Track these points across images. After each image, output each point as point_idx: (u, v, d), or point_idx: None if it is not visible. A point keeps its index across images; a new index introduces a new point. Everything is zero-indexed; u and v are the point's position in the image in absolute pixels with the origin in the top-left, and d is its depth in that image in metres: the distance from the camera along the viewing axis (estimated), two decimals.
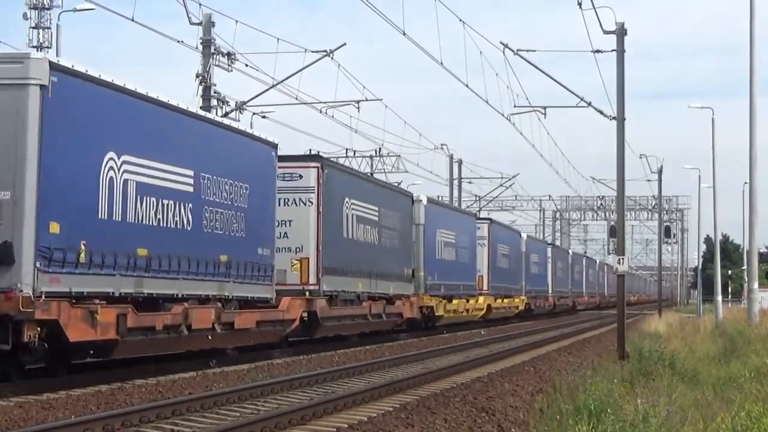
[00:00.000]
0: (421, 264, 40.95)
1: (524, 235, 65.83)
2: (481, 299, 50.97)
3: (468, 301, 48.57)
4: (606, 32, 29.11)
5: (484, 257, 52.60)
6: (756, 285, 38.63)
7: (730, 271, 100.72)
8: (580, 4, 28.22)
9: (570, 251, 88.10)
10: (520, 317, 62.25)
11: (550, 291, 72.57)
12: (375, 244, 34.81)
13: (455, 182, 67.45)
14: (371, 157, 55.60)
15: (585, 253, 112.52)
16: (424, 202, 41.70)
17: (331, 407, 16.24)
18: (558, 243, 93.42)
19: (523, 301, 61.98)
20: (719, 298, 58.57)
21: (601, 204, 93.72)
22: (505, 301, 57.04)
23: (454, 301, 45.73)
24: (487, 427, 15.23)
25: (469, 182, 75.74)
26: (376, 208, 35.01)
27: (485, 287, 52.36)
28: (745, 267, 63.80)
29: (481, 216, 60.58)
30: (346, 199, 32.07)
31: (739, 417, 13.58)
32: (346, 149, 53.66)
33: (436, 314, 42.71)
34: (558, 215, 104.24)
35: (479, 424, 15.31)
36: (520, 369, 24.69)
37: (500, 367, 25.49)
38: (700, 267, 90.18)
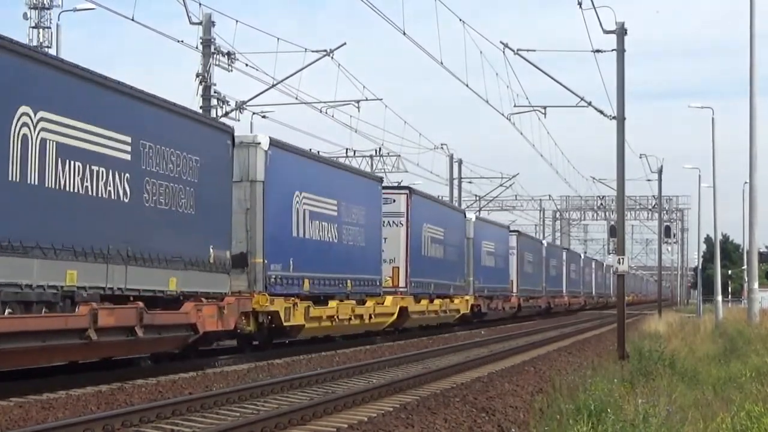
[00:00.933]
0: (259, 245, 26.37)
1: (471, 216, 51.82)
2: (388, 300, 36.18)
3: (363, 303, 33.85)
4: (606, 32, 29.12)
5: (401, 241, 38.39)
6: (756, 285, 38.67)
7: (730, 271, 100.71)
8: (580, 4, 28.25)
9: (545, 242, 75.33)
10: (467, 323, 49.16)
11: (514, 289, 59.69)
12: (117, 200, 19.80)
13: (455, 182, 67.50)
14: (371, 156, 55.72)
15: (585, 253, 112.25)
16: (264, 145, 26.60)
17: (331, 407, 16.24)
18: (558, 242, 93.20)
19: (468, 303, 47.94)
20: (719, 298, 58.62)
21: (601, 204, 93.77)
22: (436, 302, 42.58)
23: (332, 304, 30.95)
24: (487, 427, 15.23)
25: (469, 182, 75.87)
26: (128, 139, 20.16)
27: (402, 283, 38.27)
28: (745, 267, 63.82)
29: (400, 185, 43.18)
30: (26, 113, 17.47)
31: (739, 417, 13.60)
32: (346, 149, 53.79)
33: (286, 323, 27.66)
34: (558, 215, 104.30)
35: (479, 424, 15.31)
36: (520, 369, 24.70)
37: (500, 367, 25.50)
38: (700, 267, 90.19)
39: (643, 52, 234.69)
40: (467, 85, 34.44)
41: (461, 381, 21.35)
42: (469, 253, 49.41)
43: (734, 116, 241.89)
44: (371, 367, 24.10)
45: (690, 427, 13.37)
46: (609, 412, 13.78)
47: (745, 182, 46.67)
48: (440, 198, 55.54)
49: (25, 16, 61.59)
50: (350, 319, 32.26)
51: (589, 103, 32.16)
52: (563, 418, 13.94)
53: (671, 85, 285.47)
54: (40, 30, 61.72)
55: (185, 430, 14.26)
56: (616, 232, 33.35)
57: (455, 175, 67.55)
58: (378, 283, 35.42)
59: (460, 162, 68.15)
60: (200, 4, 37.34)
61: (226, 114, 35.77)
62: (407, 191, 39.68)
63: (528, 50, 31.62)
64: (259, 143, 26.52)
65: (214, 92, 35.38)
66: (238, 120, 36.77)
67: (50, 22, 61.26)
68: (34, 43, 60.27)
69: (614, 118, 29.74)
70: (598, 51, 30.95)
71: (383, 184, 38.08)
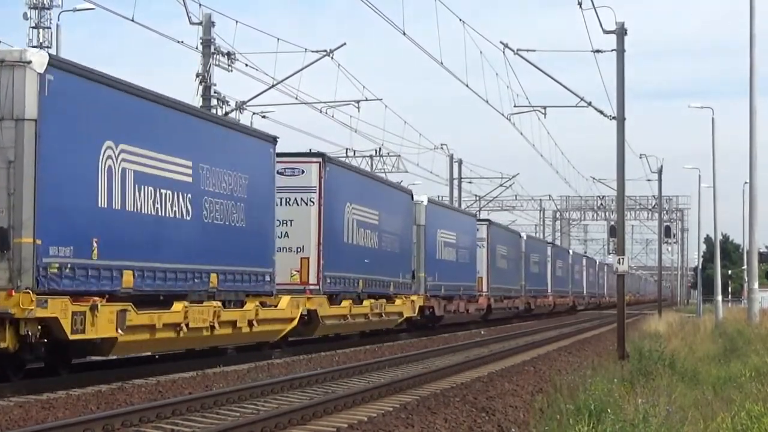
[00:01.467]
0: (29, 217, 17.56)
1: (422, 199, 42.43)
2: (284, 302, 27.25)
3: (241, 305, 24.91)
4: (606, 32, 29.11)
5: (311, 225, 29.84)
6: (756, 285, 38.70)
7: (730, 271, 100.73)
8: (580, 4, 28.24)
9: (524, 235, 65.49)
10: (418, 329, 41.45)
11: (484, 288, 51.25)
12: None
13: (455, 182, 67.51)
14: (371, 156, 55.73)
15: (585, 253, 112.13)
16: (38, 65, 17.70)
17: (331, 407, 16.24)
18: (558, 242, 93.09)
19: (414, 305, 39.17)
20: (719, 297, 58.70)
21: (601, 204, 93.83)
22: (366, 304, 33.75)
23: (177, 307, 21.77)
24: (487, 427, 15.24)
25: (469, 182, 75.90)
26: None
27: (312, 279, 29.62)
28: (745, 267, 63.84)
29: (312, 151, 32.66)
30: None
31: (739, 417, 13.60)
32: (346, 149, 53.74)
33: (76, 336, 18.49)
34: (558, 215, 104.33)
35: (479, 424, 15.32)
36: (520, 369, 24.71)
37: (500, 366, 25.51)
38: (700, 267, 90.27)
39: (643, 52, 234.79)
40: (467, 85, 34.49)
41: (461, 381, 21.36)
42: (420, 243, 41.07)
43: (734, 116, 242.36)
44: (371, 367, 24.11)
45: (690, 427, 13.37)
46: (609, 412, 13.78)
47: (745, 182, 46.73)
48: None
49: (25, 16, 61.59)
50: (212, 327, 23.17)
51: (589, 103, 32.17)
52: (563, 418, 13.95)
53: (671, 85, 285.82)
54: (40, 30, 61.69)
55: (185, 430, 14.26)
56: (616, 232, 33.36)
57: (455, 175, 67.58)
58: (268, 279, 26.34)
59: (460, 162, 68.18)
60: (200, 5, 37.30)
61: (226, 114, 35.77)
62: (320, 159, 30.53)
63: (528, 50, 31.64)
64: (30, 62, 17.60)
65: (214, 92, 35.37)
66: (238, 120, 36.74)
67: (50, 22, 61.25)
68: (34, 43, 60.30)
69: (614, 118, 29.74)
70: (598, 51, 30.95)
71: (286, 150, 29.89)
